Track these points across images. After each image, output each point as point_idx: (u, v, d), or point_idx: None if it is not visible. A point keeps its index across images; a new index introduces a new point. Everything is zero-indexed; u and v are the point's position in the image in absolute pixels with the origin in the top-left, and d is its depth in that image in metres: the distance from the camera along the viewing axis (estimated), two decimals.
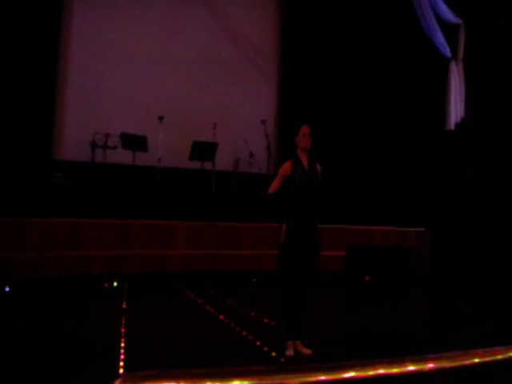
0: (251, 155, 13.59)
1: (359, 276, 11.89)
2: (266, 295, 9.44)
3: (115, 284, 10.00)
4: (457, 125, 12.03)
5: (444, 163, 12.62)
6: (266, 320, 7.51)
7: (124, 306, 8.29)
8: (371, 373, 1.30)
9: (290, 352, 5.80)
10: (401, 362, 1.34)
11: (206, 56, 14.40)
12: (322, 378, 1.26)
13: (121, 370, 5.00)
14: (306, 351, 5.86)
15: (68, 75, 13.20)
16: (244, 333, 6.76)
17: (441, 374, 1.38)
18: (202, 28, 14.46)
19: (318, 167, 6.12)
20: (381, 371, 1.30)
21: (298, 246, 5.84)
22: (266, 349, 6.03)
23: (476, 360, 1.45)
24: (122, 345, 5.94)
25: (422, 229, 13.08)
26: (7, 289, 8.98)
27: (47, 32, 12.55)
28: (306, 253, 5.86)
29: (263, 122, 13.73)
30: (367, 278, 11.85)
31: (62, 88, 13.09)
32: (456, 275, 11.63)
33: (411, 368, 1.34)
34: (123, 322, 7.10)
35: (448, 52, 12.04)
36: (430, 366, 1.36)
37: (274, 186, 6.00)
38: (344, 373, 1.28)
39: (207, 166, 13.22)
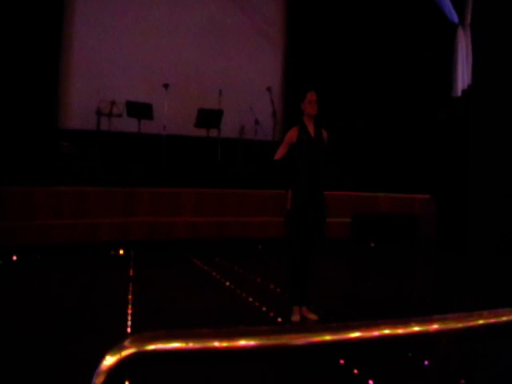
0: (257, 122, 13.55)
1: (365, 243, 11.91)
2: (272, 262, 9.48)
3: (121, 252, 10.06)
4: (464, 91, 11.93)
5: (451, 129, 12.55)
6: (271, 286, 7.57)
7: (131, 273, 8.35)
8: (376, 333, 1.31)
9: (295, 317, 5.85)
10: (406, 323, 1.36)
11: (211, 23, 14.28)
12: (328, 338, 1.27)
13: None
14: (312, 316, 5.91)
15: (73, 43, 13.13)
16: (250, 299, 6.81)
17: (446, 335, 1.39)
18: None
19: (325, 134, 6.10)
20: (386, 331, 1.32)
21: (305, 212, 5.84)
22: (272, 314, 6.08)
23: (481, 321, 1.46)
24: (129, 311, 6.00)
25: (428, 196, 13.05)
26: (14, 257, 9.05)
27: (51, 0, 12.46)
28: (313, 219, 5.87)
29: (269, 88, 13.66)
30: (372, 244, 11.87)
31: (67, 56, 13.03)
32: (461, 243, 11.64)
33: (416, 329, 1.35)
34: (130, 288, 7.17)
35: (455, 17, 11.89)
36: (435, 326, 1.37)
37: (280, 153, 5.98)
38: (349, 333, 1.30)
39: (213, 133, 13.20)
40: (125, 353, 1.16)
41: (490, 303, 6.84)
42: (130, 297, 6.73)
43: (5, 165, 10.72)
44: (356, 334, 1.26)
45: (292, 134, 5.95)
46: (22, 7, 11.88)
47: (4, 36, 11.65)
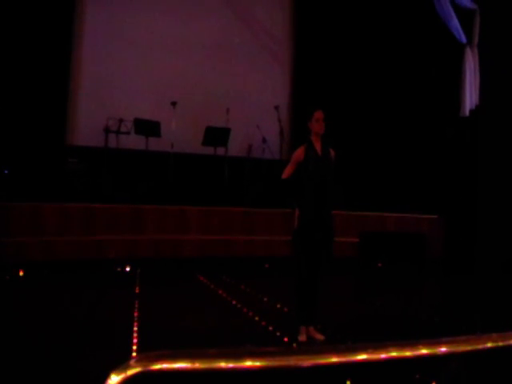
0: (264, 141, 13.55)
1: (372, 262, 11.85)
2: (279, 281, 9.44)
3: (128, 269, 10.05)
4: (471, 111, 11.92)
5: (458, 149, 12.53)
6: (278, 305, 7.53)
7: (137, 291, 8.33)
8: (384, 355, 1.30)
9: (302, 337, 5.81)
10: (414, 345, 1.34)
11: (219, 41, 14.33)
12: (334, 359, 1.26)
13: (134, 353, 5.04)
14: (319, 336, 5.87)
15: (81, 61, 13.19)
16: (257, 318, 6.78)
17: (455, 358, 1.38)
18: (216, 13, 14.38)
19: (332, 152, 6.09)
20: (393, 354, 1.30)
21: (311, 231, 5.82)
22: (278, 334, 6.04)
23: (489, 344, 1.44)
24: (135, 328, 5.98)
25: (436, 215, 13.01)
26: (21, 273, 9.04)
27: (61, 18, 12.52)
28: (320, 238, 5.84)
29: (276, 107, 13.67)
30: (380, 264, 11.81)
31: (76, 73, 13.09)
32: (469, 263, 11.57)
33: (424, 351, 1.33)
34: (136, 305, 7.15)
35: (463, 37, 11.90)
36: (443, 349, 1.35)
37: (287, 172, 5.97)
38: (356, 355, 1.28)
39: (220, 151, 13.21)
40: (130, 372, 1.15)
41: (498, 323, 6.78)
42: (136, 314, 6.70)
43: (13, 181, 10.75)
44: (363, 356, 1.25)
45: (299, 153, 5.94)
46: (32, 25, 11.96)
47: (13, 53, 11.72)
